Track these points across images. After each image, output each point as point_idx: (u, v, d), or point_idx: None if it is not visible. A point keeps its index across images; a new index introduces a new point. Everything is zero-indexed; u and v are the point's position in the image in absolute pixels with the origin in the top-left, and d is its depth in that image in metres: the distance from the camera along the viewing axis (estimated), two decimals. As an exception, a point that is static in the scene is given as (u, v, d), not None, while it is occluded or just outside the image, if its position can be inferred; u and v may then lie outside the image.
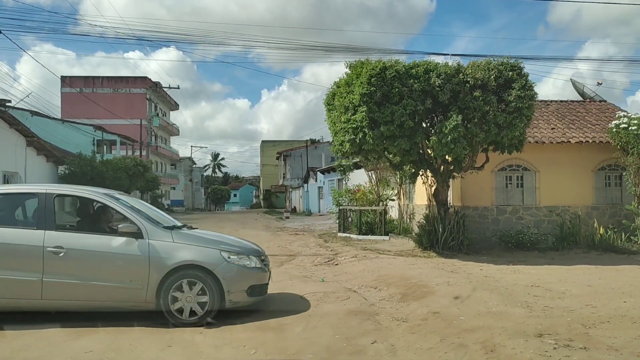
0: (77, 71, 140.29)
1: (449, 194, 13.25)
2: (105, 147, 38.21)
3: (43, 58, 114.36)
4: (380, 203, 16.74)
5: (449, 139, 10.71)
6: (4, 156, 19.40)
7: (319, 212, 37.78)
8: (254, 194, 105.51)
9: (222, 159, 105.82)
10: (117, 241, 5.69)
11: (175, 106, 62.39)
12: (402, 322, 5.56)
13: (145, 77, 51.18)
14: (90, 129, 34.53)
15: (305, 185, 45.08)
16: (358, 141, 11.41)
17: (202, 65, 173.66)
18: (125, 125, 42.79)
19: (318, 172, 38.97)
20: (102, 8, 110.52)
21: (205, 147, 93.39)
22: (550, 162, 14.37)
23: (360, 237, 15.73)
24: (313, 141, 62.39)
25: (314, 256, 11.81)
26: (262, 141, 79.60)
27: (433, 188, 12.90)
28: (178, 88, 47.67)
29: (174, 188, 63.16)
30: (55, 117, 37.38)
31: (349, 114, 11.45)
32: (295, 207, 48.43)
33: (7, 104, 18.84)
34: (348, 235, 16.46)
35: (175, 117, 65.80)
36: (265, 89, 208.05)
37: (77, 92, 47.85)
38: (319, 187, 39.14)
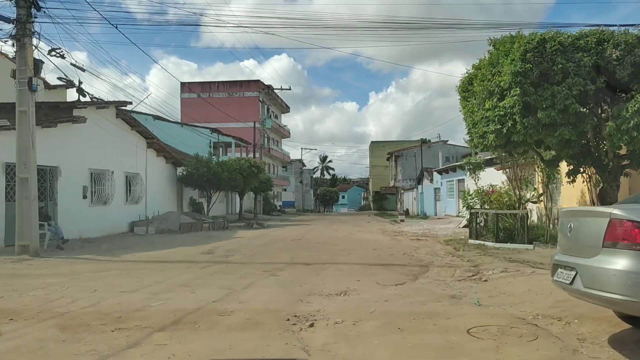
0: (197, 79, 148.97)
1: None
2: (220, 149, 38.94)
3: (169, 69, 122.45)
4: (520, 206, 14.48)
5: (630, 124, 8.46)
6: (126, 157, 19.73)
7: (436, 215, 35.47)
8: (362, 195, 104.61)
9: (330, 161, 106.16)
10: None
11: (286, 109, 62.97)
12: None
13: (258, 81, 51.99)
14: (207, 132, 35.24)
15: (419, 186, 42.88)
16: (505, 131, 9.51)
17: (313, 70, 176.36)
18: (239, 128, 43.48)
19: (434, 173, 36.68)
20: (220, 20, 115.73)
21: (315, 149, 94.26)
22: None
23: (497, 245, 13.63)
24: (424, 141, 59.84)
25: (450, 267, 10.04)
26: (372, 142, 78.37)
27: (598, 188, 10.56)
28: (289, 89, 47.82)
29: (285, 189, 63.79)
30: (176, 120, 38.82)
31: (494, 100, 9.59)
32: (407, 210, 46.34)
33: (129, 105, 19.09)
34: (482, 242, 14.40)
35: (286, 120, 66.55)
36: (373, 92, 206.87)
37: (195, 97, 49.74)
38: (435, 189, 36.82)
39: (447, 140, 50.17)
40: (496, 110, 9.45)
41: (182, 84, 51.60)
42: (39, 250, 11.80)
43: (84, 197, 16.94)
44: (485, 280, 8.37)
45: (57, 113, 15.63)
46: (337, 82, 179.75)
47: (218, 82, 53.28)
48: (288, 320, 5.60)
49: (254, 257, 12.31)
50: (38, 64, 11.96)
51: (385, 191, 67.99)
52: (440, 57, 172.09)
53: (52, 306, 6.33)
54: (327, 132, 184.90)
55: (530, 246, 13.14)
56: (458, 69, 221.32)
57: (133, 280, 8.60)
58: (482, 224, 15.37)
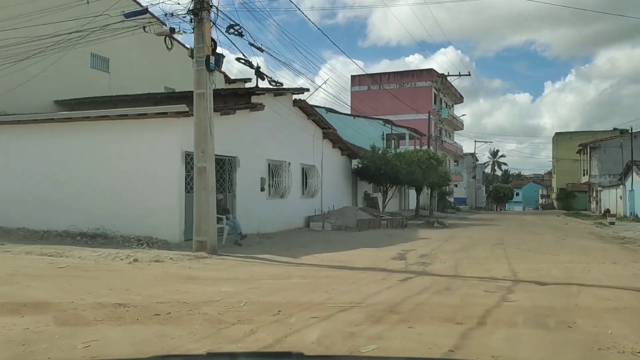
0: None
1: None
2: (393, 141, 36.89)
3: (337, 68, 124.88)
4: None
5: None
6: (302, 148, 18.52)
7: (653, 217, 29.18)
8: (540, 193, 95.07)
9: (502, 155, 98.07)
10: None
11: (459, 99, 58.72)
12: None
13: (431, 70, 48.83)
14: (380, 123, 33.44)
15: (627, 183, 36.12)
16: None
17: (481, 61, 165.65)
18: (410, 119, 41.02)
19: (653, 167, 30.25)
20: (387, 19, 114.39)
21: (490, 142, 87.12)
22: None
23: None
24: (622, 131, 51.15)
25: None
26: (556, 133, 69.77)
27: None
28: (469, 75, 42.90)
29: (456, 185, 59.52)
30: (347, 113, 37.68)
31: None
32: (608, 210, 39.50)
33: (305, 92, 17.80)
34: None
35: (458, 111, 61.91)
36: (549, 81, 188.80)
37: (365, 90, 48.49)
38: (653, 186, 30.38)
39: (661, 128, 41.56)
40: None
41: (353, 77, 50.71)
42: (217, 247, 10.73)
43: (262, 189, 15.97)
44: None
45: (235, 100, 14.80)
46: (509, 72, 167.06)
47: (389, 73, 51.26)
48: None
49: (459, 267, 9.81)
50: (219, 58, 11.00)
51: (573, 188, 59.97)
52: (634, 38, 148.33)
53: (233, 338, 4.59)
54: (497, 126, 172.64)
55: None
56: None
57: (322, 295, 6.71)
58: None
